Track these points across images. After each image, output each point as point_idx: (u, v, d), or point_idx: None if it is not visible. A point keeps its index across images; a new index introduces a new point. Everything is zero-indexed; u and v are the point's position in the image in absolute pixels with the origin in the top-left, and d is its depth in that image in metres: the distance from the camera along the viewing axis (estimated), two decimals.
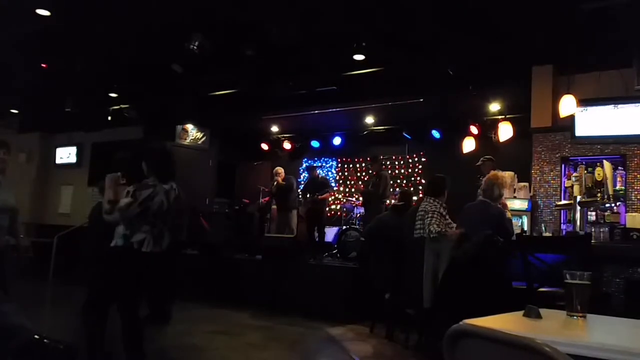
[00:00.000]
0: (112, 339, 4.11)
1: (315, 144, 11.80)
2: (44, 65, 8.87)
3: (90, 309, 4.01)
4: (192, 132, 11.60)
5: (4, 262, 3.98)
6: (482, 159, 7.15)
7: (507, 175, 6.78)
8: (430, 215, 5.04)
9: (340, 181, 12.21)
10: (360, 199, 9.83)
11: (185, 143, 11.49)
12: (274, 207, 10.15)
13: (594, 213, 6.32)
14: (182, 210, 4.68)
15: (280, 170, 9.85)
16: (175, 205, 3.92)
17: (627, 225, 5.37)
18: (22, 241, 4.34)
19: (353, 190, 11.53)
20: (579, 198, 5.79)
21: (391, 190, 9.66)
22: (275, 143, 12.16)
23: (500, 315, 1.82)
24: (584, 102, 6.93)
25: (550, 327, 1.76)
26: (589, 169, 5.94)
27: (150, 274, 3.86)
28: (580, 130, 7.08)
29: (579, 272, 1.87)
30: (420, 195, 9.33)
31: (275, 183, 9.66)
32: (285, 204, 9.66)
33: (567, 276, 1.86)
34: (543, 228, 6.66)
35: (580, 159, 7.09)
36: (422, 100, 8.88)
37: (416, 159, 11.22)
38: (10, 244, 4.03)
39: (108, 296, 3.86)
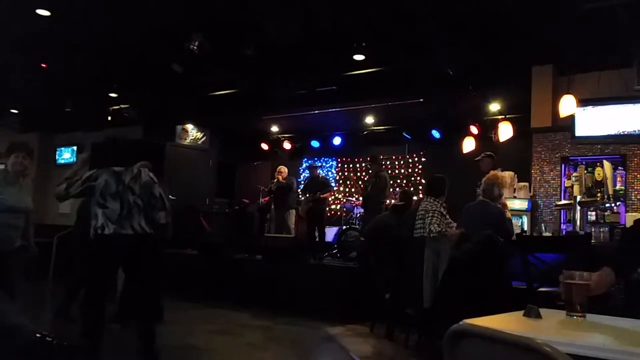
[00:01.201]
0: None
1: (315, 144, 11.80)
2: (44, 65, 8.87)
3: (85, 305, 4.02)
4: (192, 132, 11.61)
5: (15, 263, 4.03)
6: (482, 154, 7.11)
7: (507, 175, 6.78)
8: (430, 214, 5.04)
9: (340, 181, 12.22)
10: (360, 199, 9.83)
11: (185, 143, 11.49)
12: (273, 207, 10.15)
13: (594, 213, 6.33)
14: (160, 206, 4.64)
15: (283, 169, 9.82)
16: (146, 190, 3.95)
17: (627, 225, 5.37)
18: (32, 243, 4.41)
19: (353, 190, 11.54)
20: (579, 198, 5.80)
21: (391, 190, 9.65)
22: (275, 143, 12.16)
23: (500, 315, 1.82)
24: (584, 102, 6.93)
25: (550, 327, 1.76)
26: (589, 169, 5.95)
27: (122, 258, 3.87)
28: (580, 130, 7.09)
29: (577, 272, 1.86)
30: (421, 195, 9.33)
31: (275, 181, 9.65)
32: (284, 203, 9.66)
33: (563, 276, 1.85)
34: (543, 228, 6.66)
35: (580, 159, 7.09)
36: (422, 100, 8.88)
37: (416, 159, 11.23)
38: (21, 245, 4.10)
39: (95, 288, 3.89)
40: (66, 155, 13.18)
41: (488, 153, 7.10)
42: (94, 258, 3.83)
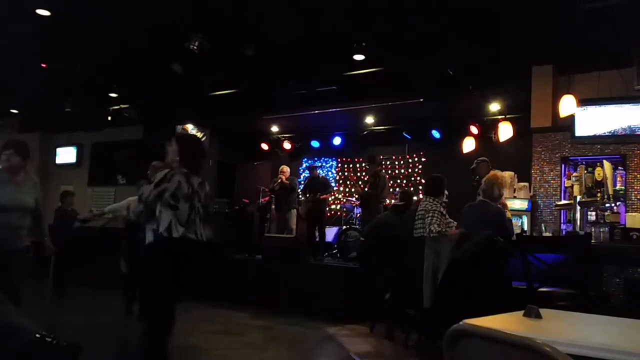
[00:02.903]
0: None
1: (315, 144, 11.79)
2: (44, 65, 8.87)
3: (149, 314, 3.76)
4: (192, 132, 11.59)
5: (18, 263, 3.95)
6: (475, 161, 6.99)
7: (507, 175, 6.77)
8: (430, 214, 5.04)
9: (340, 181, 12.22)
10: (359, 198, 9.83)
11: None
12: (274, 207, 10.15)
13: (594, 213, 6.32)
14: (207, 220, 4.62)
15: (286, 169, 9.82)
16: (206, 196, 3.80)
17: (627, 225, 5.37)
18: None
19: (353, 190, 11.53)
20: (579, 198, 5.79)
21: (390, 190, 9.65)
22: (275, 143, 12.15)
23: (500, 315, 1.82)
24: (584, 102, 6.93)
25: (550, 327, 1.76)
26: (589, 169, 5.94)
27: (189, 263, 3.65)
28: (580, 130, 7.08)
29: None
30: (421, 195, 9.33)
31: (279, 181, 9.65)
32: (285, 204, 9.66)
33: None
34: (543, 228, 6.66)
35: (580, 159, 7.09)
36: (422, 100, 8.88)
37: (416, 159, 11.22)
38: (26, 245, 4.03)
39: (162, 295, 3.65)
40: (66, 155, 13.17)
41: (482, 158, 6.99)
42: (158, 261, 3.55)
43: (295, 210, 9.75)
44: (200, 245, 3.67)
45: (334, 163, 12.41)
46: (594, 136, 7.07)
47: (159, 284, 3.57)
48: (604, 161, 5.81)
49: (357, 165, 12.00)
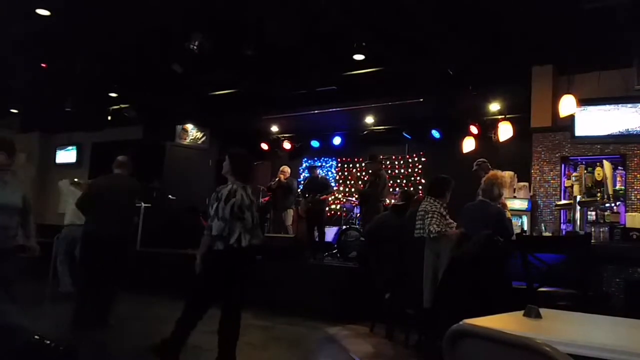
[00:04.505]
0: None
1: (315, 144, 11.80)
2: (44, 65, 8.87)
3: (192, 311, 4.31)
4: (192, 132, 11.61)
5: (8, 262, 3.90)
6: (475, 165, 6.78)
7: (507, 175, 6.76)
8: (430, 215, 5.03)
9: (340, 181, 12.22)
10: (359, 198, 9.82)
11: (185, 143, 11.49)
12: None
13: (593, 213, 6.33)
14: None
15: (286, 169, 9.86)
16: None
17: (627, 225, 5.37)
18: (32, 242, 4.28)
19: (352, 190, 11.53)
20: (579, 198, 5.79)
21: (390, 190, 9.64)
22: (275, 143, 12.15)
23: (500, 315, 1.82)
24: (584, 102, 6.93)
25: (550, 327, 1.76)
26: (589, 169, 5.94)
27: (252, 265, 4.18)
28: (580, 130, 7.09)
29: None
30: (420, 195, 9.32)
31: (277, 179, 9.67)
32: (282, 202, 9.67)
33: None
34: (543, 228, 6.66)
35: (580, 159, 7.09)
36: (422, 100, 8.88)
37: (416, 159, 11.22)
38: (19, 245, 3.97)
39: (211, 298, 4.23)
40: (66, 155, 13.18)
41: (481, 160, 6.81)
42: (230, 268, 4.04)
43: (291, 209, 9.76)
44: (255, 249, 4.18)
45: (334, 163, 12.40)
46: (594, 136, 7.07)
47: (230, 288, 4.13)
48: (604, 161, 5.82)
49: (357, 165, 12.00)
